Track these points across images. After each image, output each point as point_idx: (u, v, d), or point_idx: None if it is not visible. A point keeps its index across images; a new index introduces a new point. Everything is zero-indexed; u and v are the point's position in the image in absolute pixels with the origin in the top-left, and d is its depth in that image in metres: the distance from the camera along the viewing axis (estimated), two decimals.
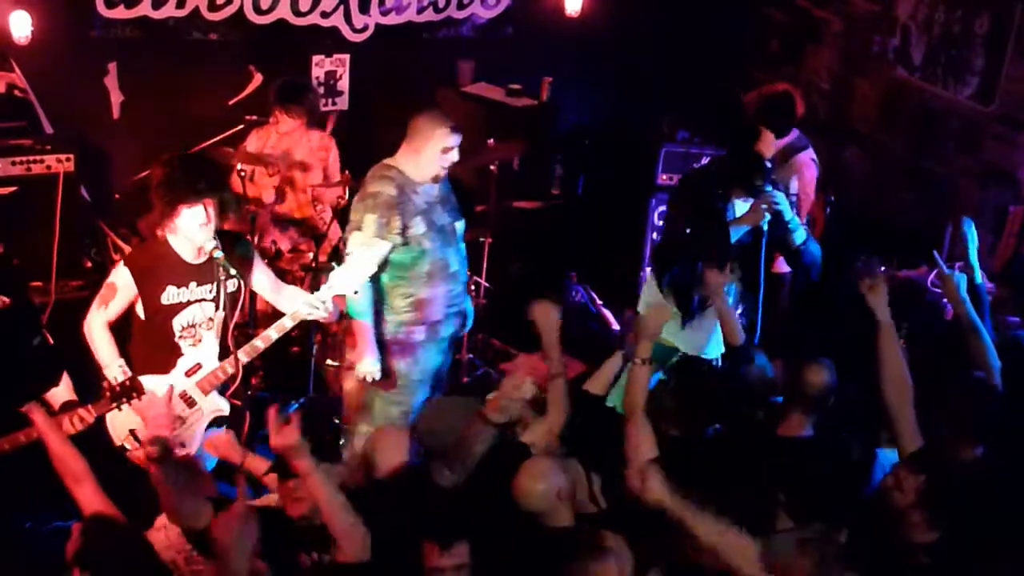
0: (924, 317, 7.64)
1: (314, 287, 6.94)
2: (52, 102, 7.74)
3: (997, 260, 7.99)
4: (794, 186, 7.29)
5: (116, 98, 8.47)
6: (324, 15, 8.96)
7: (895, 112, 9.11)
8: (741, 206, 6.70)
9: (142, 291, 5.57)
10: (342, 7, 8.99)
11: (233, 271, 5.58)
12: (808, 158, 7.34)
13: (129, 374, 5.42)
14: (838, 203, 8.41)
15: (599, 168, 9.46)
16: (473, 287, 8.04)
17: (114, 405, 5.19)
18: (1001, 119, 8.25)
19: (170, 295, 5.59)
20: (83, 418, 5.18)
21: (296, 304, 5.72)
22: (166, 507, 4.75)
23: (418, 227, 6.15)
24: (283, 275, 7.47)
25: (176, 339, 5.64)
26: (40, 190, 7.19)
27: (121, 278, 5.58)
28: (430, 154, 6.14)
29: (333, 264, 7.13)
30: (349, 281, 5.69)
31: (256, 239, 7.30)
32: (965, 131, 8.53)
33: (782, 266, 7.46)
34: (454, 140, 6.15)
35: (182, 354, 5.66)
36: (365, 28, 9.16)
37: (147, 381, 5.51)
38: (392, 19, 9.23)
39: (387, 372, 6.30)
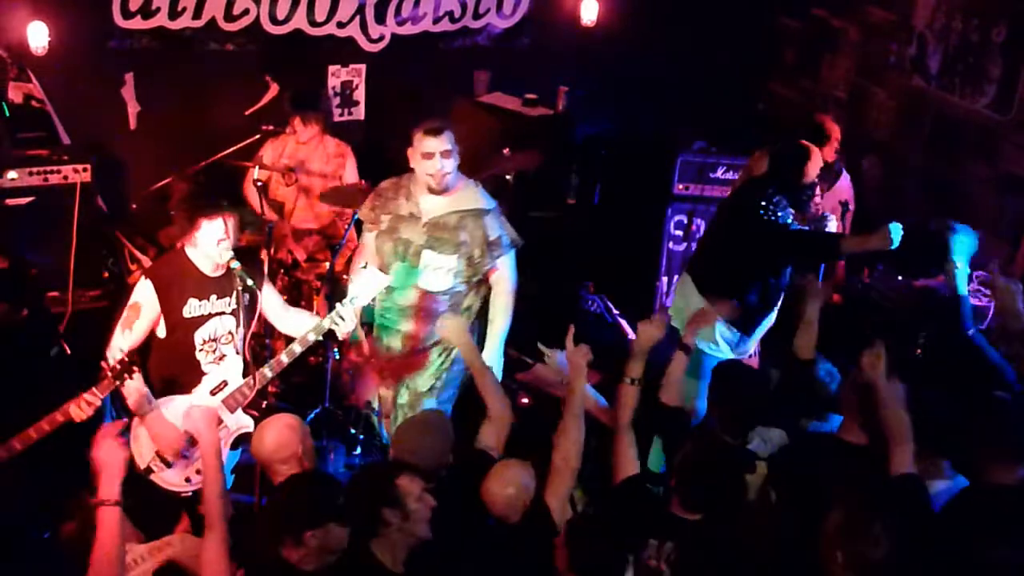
0: (941, 327, 7.62)
1: (331, 296, 6.96)
2: (69, 113, 7.77)
3: (1016, 269, 7.95)
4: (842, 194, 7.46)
5: (133, 108, 8.50)
6: (340, 25, 8.97)
7: (912, 121, 9.08)
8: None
9: (164, 304, 5.57)
10: (358, 17, 9.00)
11: (250, 281, 5.59)
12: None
13: (126, 354, 5.36)
14: (855, 212, 8.38)
15: (615, 177, 9.44)
16: None
17: (116, 383, 5.20)
18: (1019, 128, 8.22)
19: (192, 308, 5.60)
20: (90, 402, 5.21)
21: (310, 322, 5.76)
22: None
23: (382, 224, 6.22)
24: (300, 285, 7.51)
25: (196, 353, 5.64)
26: (57, 200, 7.21)
27: (144, 293, 5.57)
28: (414, 160, 6.10)
29: (347, 275, 7.17)
30: (370, 286, 5.73)
31: (272, 250, 7.30)
32: (982, 140, 8.50)
33: None
34: (430, 144, 6.00)
35: (203, 372, 5.65)
36: (381, 38, 9.17)
37: (172, 401, 5.54)
38: (408, 29, 9.24)
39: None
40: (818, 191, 7.45)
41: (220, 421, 5.52)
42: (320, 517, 4.40)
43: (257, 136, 7.98)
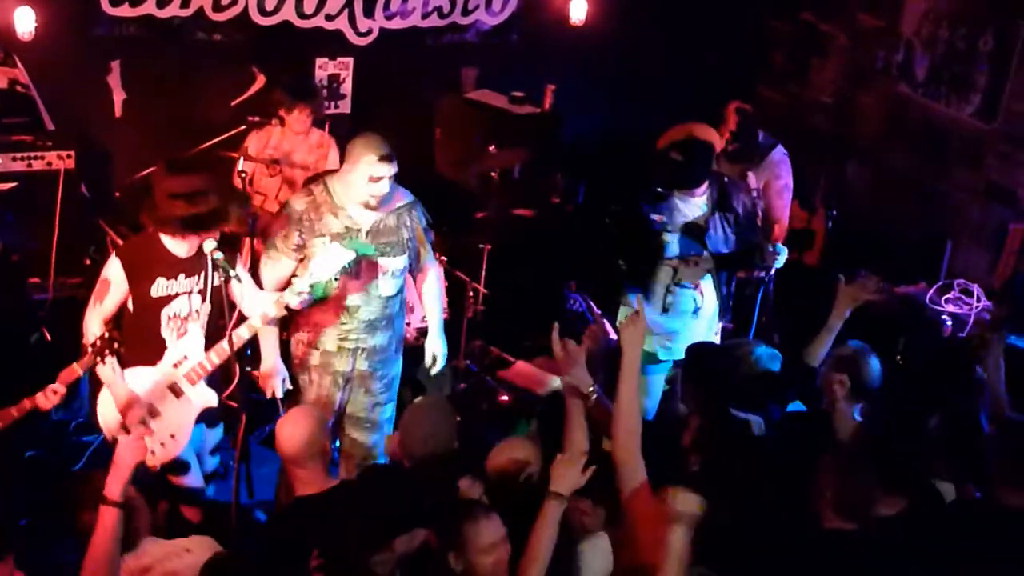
0: (921, 333, 7.66)
1: None
2: (54, 99, 7.74)
3: (997, 278, 7.99)
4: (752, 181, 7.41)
5: (118, 96, 8.47)
6: (328, 18, 8.95)
7: (898, 128, 9.12)
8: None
9: (132, 284, 5.61)
10: (347, 10, 8.98)
11: (232, 272, 5.59)
12: (781, 154, 7.40)
13: (105, 332, 5.44)
14: (839, 217, 8.41)
15: (601, 177, 9.45)
16: (471, 293, 8.04)
17: (98, 359, 5.30)
18: (1003, 137, 8.26)
19: (159, 287, 5.62)
20: (72, 372, 5.33)
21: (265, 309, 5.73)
22: None
23: (315, 249, 5.84)
24: None
25: (162, 330, 5.67)
26: (40, 186, 7.20)
27: (113, 272, 5.62)
28: (355, 179, 5.82)
29: None
30: (327, 262, 5.65)
31: (255, 241, 7.29)
32: (967, 148, 8.54)
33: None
34: (382, 170, 5.78)
35: (167, 348, 5.69)
36: (369, 32, 9.15)
37: (135, 373, 5.61)
38: (396, 24, 9.22)
39: (294, 383, 6.23)
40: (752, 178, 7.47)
41: (151, 452, 5.59)
42: (410, 520, 4.44)
43: (243, 127, 7.95)
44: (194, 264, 5.66)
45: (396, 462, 5.41)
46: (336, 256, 5.66)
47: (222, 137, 7.89)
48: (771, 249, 6.65)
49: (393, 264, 6.07)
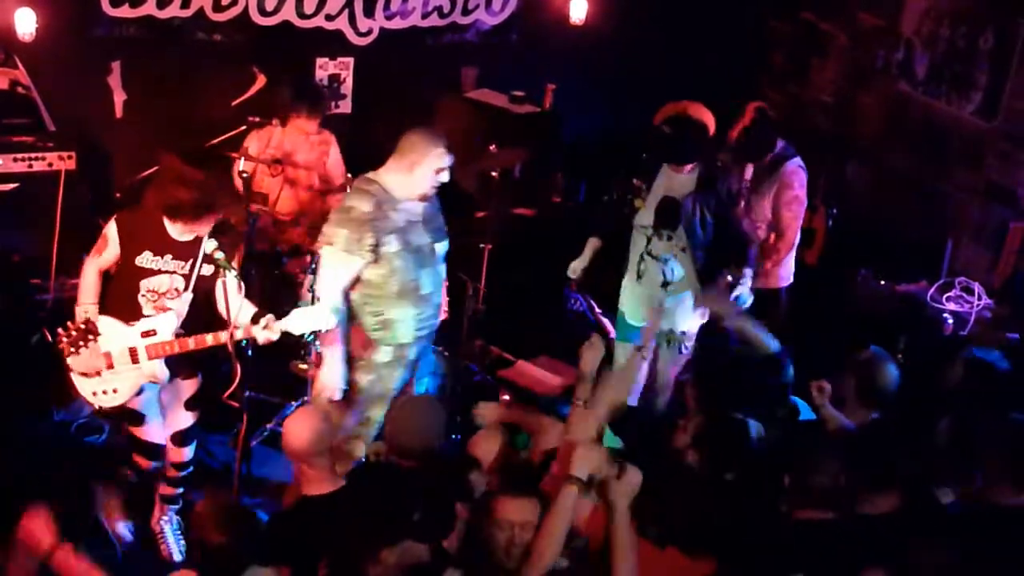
0: (922, 331, 7.66)
1: (312, 288, 6.96)
2: (55, 100, 7.75)
3: (997, 277, 7.99)
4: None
5: (119, 97, 8.48)
6: (328, 18, 8.96)
7: (898, 126, 9.11)
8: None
9: (122, 247, 5.83)
10: (347, 10, 8.99)
11: (232, 272, 5.67)
12: (796, 165, 7.35)
13: (87, 319, 5.73)
14: (840, 216, 8.41)
15: (601, 176, 9.44)
16: (471, 293, 8.04)
17: (72, 350, 5.62)
18: (1004, 135, 8.26)
19: (145, 259, 5.81)
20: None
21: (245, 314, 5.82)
22: None
23: (391, 245, 5.95)
24: (283, 277, 7.49)
25: (139, 297, 5.84)
26: (41, 187, 7.22)
27: (111, 232, 5.86)
28: (422, 173, 5.97)
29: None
30: (308, 323, 5.78)
31: (255, 241, 7.30)
32: (967, 147, 8.53)
33: (781, 280, 7.47)
34: (448, 160, 6.00)
35: (144, 314, 5.84)
36: (369, 32, 9.16)
37: (107, 322, 5.79)
38: (396, 23, 9.23)
39: (349, 386, 6.21)
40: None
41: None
42: (397, 533, 4.46)
43: (243, 127, 7.95)
44: (185, 249, 5.81)
45: (393, 461, 5.44)
46: (317, 318, 5.80)
47: (223, 137, 7.89)
48: (734, 278, 6.70)
49: (443, 248, 6.28)
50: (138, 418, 6.03)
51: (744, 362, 5.86)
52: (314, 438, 5.11)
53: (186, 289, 5.85)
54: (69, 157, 7.29)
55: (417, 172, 5.98)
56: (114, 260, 5.88)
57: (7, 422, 6.54)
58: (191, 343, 5.77)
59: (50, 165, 7.24)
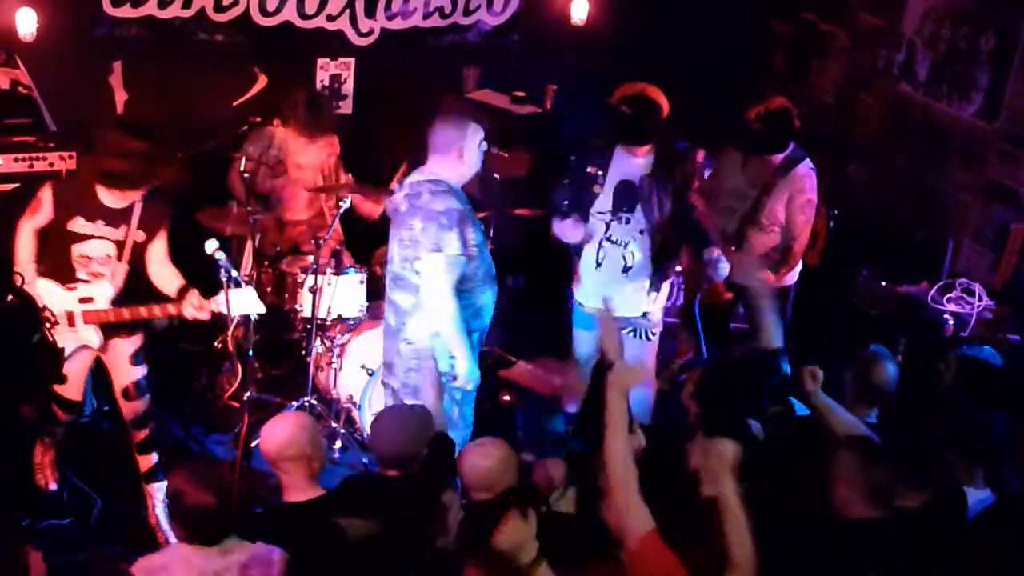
0: (923, 333, 7.65)
1: (314, 290, 6.97)
2: (56, 100, 7.75)
3: (998, 278, 7.99)
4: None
5: (120, 97, 8.48)
6: (330, 18, 8.96)
7: (899, 127, 9.11)
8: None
9: (55, 212, 5.93)
10: (348, 11, 8.99)
11: (235, 272, 5.71)
12: (808, 168, 7.34)
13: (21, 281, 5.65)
14: (841, 217, 8.41)
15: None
16: None
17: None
18: (1005, 136, 8.25)
19: (76, 224, 5.91)
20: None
21: (171, 285, 6.01)
22: None
23: (477, 235, 6.05)
24: (284, 277, 7.49)
25: (72, 261, 5.95)
26: (42, 187, 7.18)
27: (45, 197, 5.97)
28: (470, 153, 6.13)
29: (331, 266, 7.19)
30: (242, 306, 5.88)
31: (257, 241, 7.30)
32: (969, 147, 8.53)
33: (788, 279, 7.48)
34: (484, 130, 6.23)
35: (78, 278, 5.95)
36: (371, 32, 9.16)
37: (46, 285, 5.90)
38: (398, 24, 9.22)
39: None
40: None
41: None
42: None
43: (245, 127, 7.96)
44: (118, 216, 5.93)
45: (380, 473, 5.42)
46: (252, 305, 5.92)
47: (224, 138, 7.89)
48: (711, 257, 6.65)
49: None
50: (62, 377, 5.94)
51: (742, 362, 5.86)
52: (287, 443, 5.05)
53: (120, 258, 5.96)
54: (70, 157, 7.30)
55: (467, 156, 6.13)
56: (46, 222, 5.96)
57: (7, 422, 6.54)
58: (126, 314, 5.93)
59: (51, 165, 7.25)
